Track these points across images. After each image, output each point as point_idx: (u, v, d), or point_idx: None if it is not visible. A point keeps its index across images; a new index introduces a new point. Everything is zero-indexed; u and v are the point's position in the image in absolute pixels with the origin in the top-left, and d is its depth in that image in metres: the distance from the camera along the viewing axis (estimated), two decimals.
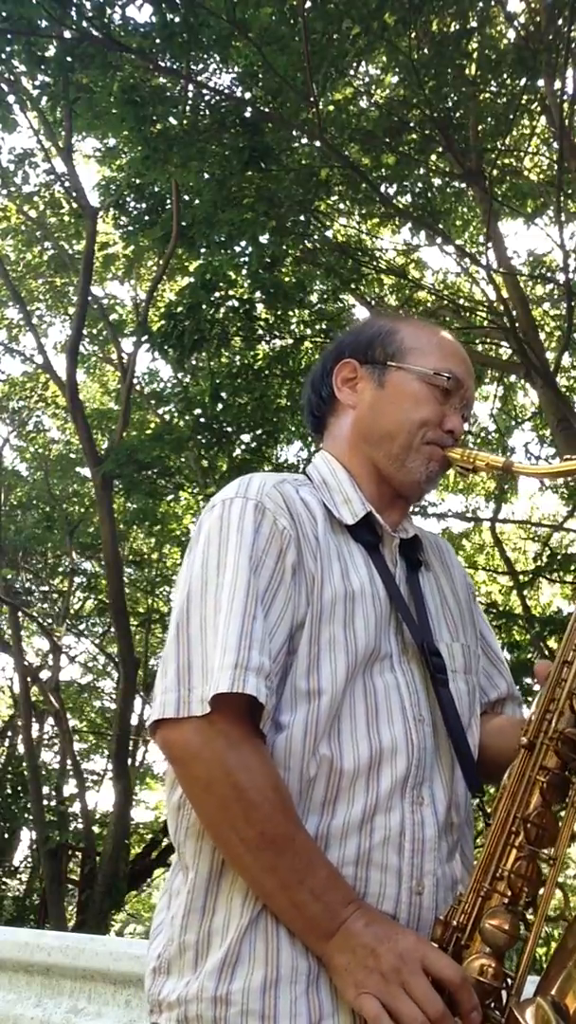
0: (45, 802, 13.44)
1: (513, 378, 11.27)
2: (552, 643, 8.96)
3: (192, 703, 1.16)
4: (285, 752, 1.19)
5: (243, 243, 8.79)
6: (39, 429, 15.60)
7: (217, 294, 9.17)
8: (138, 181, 9.72)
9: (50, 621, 15.03)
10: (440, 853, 1.24)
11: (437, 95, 8.00)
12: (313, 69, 7.27)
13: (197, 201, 8.73)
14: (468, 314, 10.56)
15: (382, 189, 9.23)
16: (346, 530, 1.37)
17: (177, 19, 7.17)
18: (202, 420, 9.61)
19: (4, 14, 7.01)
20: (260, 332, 10.03)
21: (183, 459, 10.93)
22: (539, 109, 9.13)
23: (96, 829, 13.63)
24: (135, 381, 12.30)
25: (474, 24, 7.91)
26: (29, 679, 14.15)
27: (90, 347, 14.45)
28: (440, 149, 8.80)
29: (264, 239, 8.73)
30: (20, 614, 14.17)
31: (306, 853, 1.14)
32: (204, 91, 8.55)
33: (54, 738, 15.58)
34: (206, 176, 8.20)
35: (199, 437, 9.71)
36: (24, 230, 13.00)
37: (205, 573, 1.25)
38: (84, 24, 7.40)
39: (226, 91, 8.67)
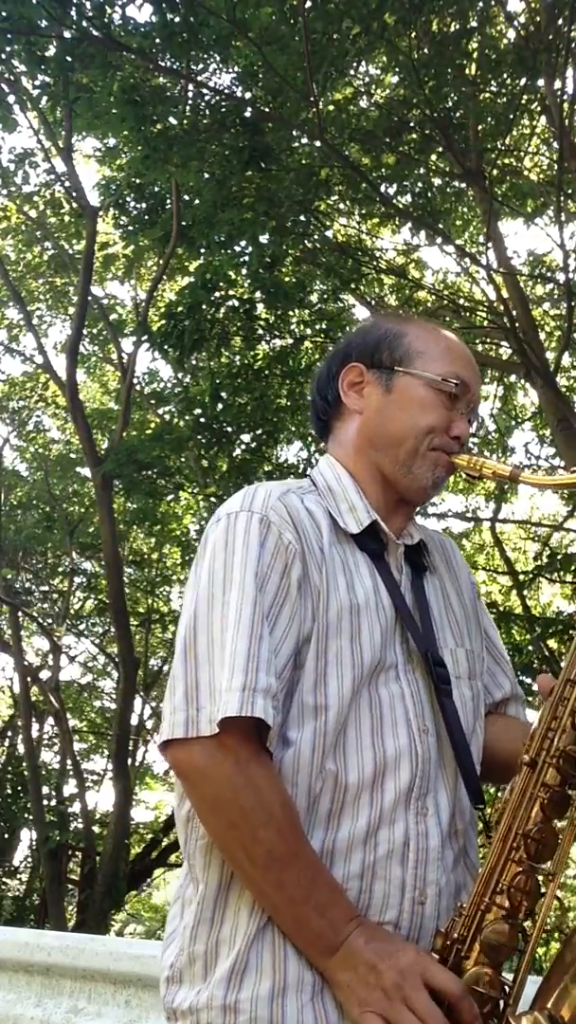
0: (45, 802, 13.43)
1: (513, 378, 11.27)
2: (552, 643, 8.96)
3: (201, 723, 1.17)
4: (293, 768, 1.21)
5: (243, 243, 8.79)
6: (39, 429, 15.61)
7: (217, 294, 9.17)
8: (138, 181, 9.72)
9: (50, 621, 15.03)
10: (444, 862, 1.25)
11: (437, 95, 7.99)
12: (313, 69, 7.27)
13: (197, 201, 8.74)
14: (468, 314, 10.56)
15: (382, 189, 9.22)
16: (351, 539, 1.37)
17: (177, 19, 7.17)
18: (202, 420, 9.61)
19: (4, 14, 7.01)
20: (260, 332, 10.03)
21: (183, 459, 10.93)
22: (539, 109, 9.12)
23: (96, 829, 13.63)
24: (135, 381, 12.31)
25: (474, 24, 7.91)
26: (29, 679, 14.14)
27: (90, 347, 14.45)
28: (440, 149, 8.80)
29: (264, 239, 8.73)
30: (20, 614, 14.17)
31: (311, 870, 1.16)
32: (204, 91, 8.55)
33: (54, 738, 15.58)
34: (206, 176, 8.21)
35: (199, 437, 9.71)
36: (24, 230, 12.99)
37: (211, 590, 1.25)
38: (84, 24, 7.40)
39: (226, 91, 8.67)
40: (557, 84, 8.22)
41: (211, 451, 10.05)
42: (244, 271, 9.26)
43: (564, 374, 11.02)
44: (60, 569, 15.65)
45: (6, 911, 14.24)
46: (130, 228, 10.49)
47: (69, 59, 7.49)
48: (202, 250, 9.44)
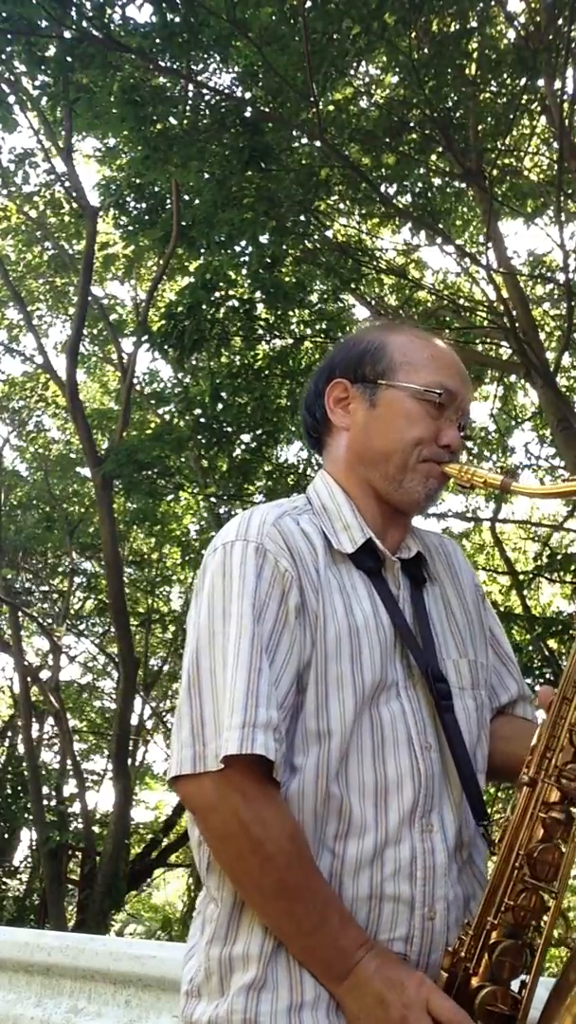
0: (45, 802, 13.43)
1: (513, 378, 11.27)
2: (552, 643, 8.96)
3: (207, 758, 1.19)
4: (299, 794, 1.22)
5: (243, 243, 8.79)
6: (39, 429, 15.60)
7: (217, 294, 9.17)
8: (138, 181, 9.72)
9: (50, 621, 15.03)
10: (451, 876, 1.27)
11: (437, 95, 7.99)
12: (313, 69, 7.27)
13: (197, 201, 8.73)
14: (468, 314, 10.56)
15: (382, 189, 9.22)
16: (347, 558, 1.36)
17: (177, 19, 7.17)
18: (202, 420, 9.62)
19: (4, 14, 7.01)
20: (260, 332, 10.03)
21: (183, 459, 10.93)
22: (539, 109, 9.12)
23: (96, 829, 13.63)
24: (135, 381, 12.31)
25: (474, 24, 7.91)
26: (29, 679, 14.14)
27: (90, 347, 14.45)
28: (440, 149, 8.80)
29: (264, 239, 8.73)
30: (20, 614, 14.17)
31: (321, 900, 1.17)
32: (204, 91, 8.55)
33: (54, 738, 15.58)
34: (206, 176, 8.20)
35: (199, 437, 9.72)
36: (24, 230, 12.99)
37: (211, 624, 1.26)
38: (84, 24, 7.40)
39: (226, 91, 8.66)
40: (557, 84, 8.22)
41: (211, 451, 10.05)
42: (244, 271, 9.26)
43: (564, 374, 11.03)
44: (60, 569, 15.65)
45: (6, 911, 14.23)
46: (130, 228, 10.49)
47: (69, 59, 7.49)
48: (202, 250, 9.44)
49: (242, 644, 1.21)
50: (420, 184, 9.41)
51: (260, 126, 8.00)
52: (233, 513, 8.75)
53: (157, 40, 7.34)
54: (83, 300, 11.61)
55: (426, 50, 7.73)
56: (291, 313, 10.27)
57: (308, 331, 10.38)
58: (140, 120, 7.74)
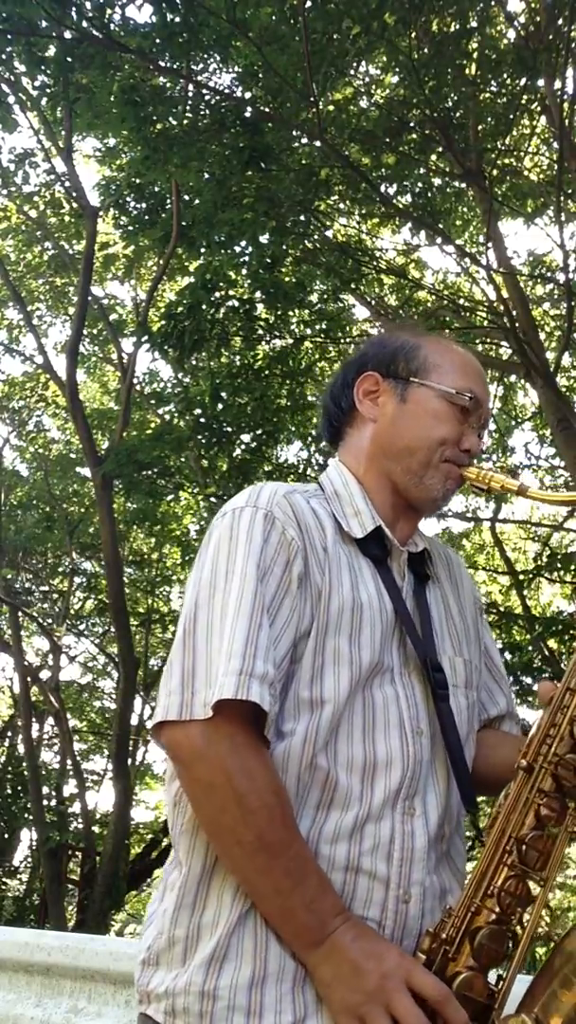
0: (45, 802, 13.44)
1: (513, 378, 11.27)
2: (552, 643, 8.96)
3: (195, 707, 1.18)
4: (284, 759, 1.22)
5: (243, 243, 8.79)
6: (39, 429, 15.61)
7: (217, 294, 9.17)
8: (138, 181, 9.72)
9: (50, 621, 15.03)
10: (429, 863, 1.26)
11: (437, 95, 7.99)
12: (313, 69, 7.27)
13: (197, 201, 8.73)
14: (468, 314, 10.56)
15: (382, 189, 9.22)
16: (355, 543, 1.38)
17: (177, 19, 7.17)
18: (202, 420, 9.61)
19: (4, 14, 7.01)
20: (260, 332, 10.03)
21: (183, 459, 10.93)
22: (539, 109, 9.13)
23: (96, 829, 13.64)
24: (135, 381, 12.31)
25: (474, 24, 7.91)
26: (29, 679, 14.14)
27: (90, 347, 14.45)
28: (440, 149, 8.80)
29: (264, 239, 8.73)
30: (20, 614, 14.17)
31: (301, 861, 1.16)
32: (204, 91, 8.55)
33: (54, 738, 15.58)
34: (206, 176, 8.20)
35: (199, 437, 9.71)
36: (24, 230, 12.99)
37: (213, 579, 1.26)
38: (84, 24, 7.40)
39: (226, 91, 8.67)
40: (557, 84, 8.22)
41: (211, 451, 10.05)
42: (244, 271, 9.26)
43: (564, 374, 11.02)
44: (60, 569, 15.66)
45: (6, 911, 14.24)
46: (130, 228, 10.49)
47: (69, 59, 7.50)
48: (202, 250, 9.44)
49: (244, 599, 1.22)
50: (420, 184, 9.41)
51: (260, 126, 8.00)
52: None
53: (157, 40, 7.34)
54: (83, 300, 11.61)
55: (426, 50, 7.73)
56: (291, 313, 10.27)
57: (308, 331, 10.38)
58: (140, 120, 7.74)
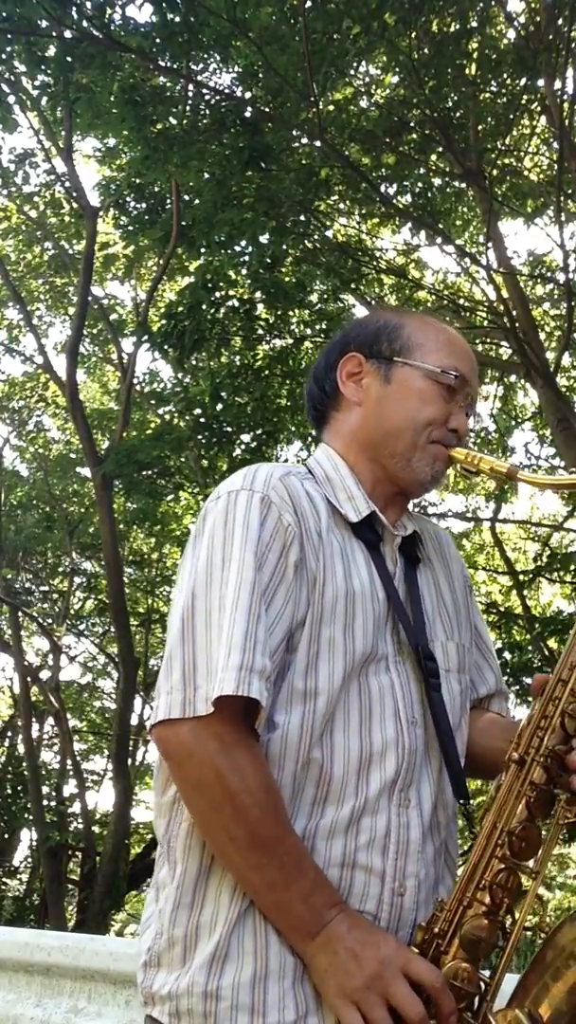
0: (45, 802, 13.44)
1: (513, 378, 11.27)
2: (552, 643, 8.96)
3: (197, 703, 1.17)
4: (280, 752, 1.21)
5: (243, 243, 8.80)
6: (39, 429, 15.61)
7: (217, 294, 9.17)
8: (138, 181, 9.72)
9: (50, 621, 15.03)
10: (424, 855, 1.25)
11: (437, 95, 8.00)
12: (313, 69, 7.27)
13: (197, 201, 8.73)
14: (468, 314, 10.56)
15: (382, 189, 9.23)
16: (348, 527, 1.37)
17: (177, 19, 7.17)
18: (202, 420, 9.61)
19: (4, 14, 7.01)
20: (260, 332, 10.03)
21: (183, 459, 10.94)
22: (539, 109, 9.13)
23: (96, 829, 13.64)
24: (135, 381, 12.31)
25: (474, 24, 7.91)
26: (29, 679, 14.15)
27: (90, 347, 14.45)
28: (440, 149, 8.80)
29: (264, 239, 8.73)
30: (20, 614, 14.17)
31: (294, 855, 1.15)
32: (204, 91, 8.55)
33: (54, 738, 15.59)
34: (206, 176, 8.20)
35: (199, 437, 9.71)
36: (24, 230, 12.99)
37: (210, 568, 1.24)
38: (84, 24, 7.40)
39: (226, 91, 8.67)
40: (557, 84, 8.23)
41: (211, 451, 10.05)
42: (244, 271, 9.26)
43: (564, 374, 11.03)
44: (60, 569, 15.66)
45: (6, 911, 14.24)
46: (130, 228, 10.49)
47: (69, 59, 7.49)
48: (202, 250, 9.44)
49: (242, 590, 1.20)
50: (420, 184, 9.41)
51: (260, 126, 8.00)
52: None
53: (157, 40, 7.34)
54: (83, 300, 11.61)
55: (426, 50, 7.73)
56: (291, 313, 10.27)
57: (308, 331, 10.37)
58: (140, 120, 7.74)
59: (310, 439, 10.78)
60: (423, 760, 1.29)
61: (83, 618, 16.08)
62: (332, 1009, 1.12)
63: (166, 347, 8.97)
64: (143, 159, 8.16)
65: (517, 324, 8.66)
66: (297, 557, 1.26)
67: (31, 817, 13.72)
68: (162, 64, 7.92)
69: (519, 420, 12.19)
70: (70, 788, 14.49)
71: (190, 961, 1.18)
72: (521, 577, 11.55)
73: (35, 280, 13.79)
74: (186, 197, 9.21)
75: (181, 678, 1.19)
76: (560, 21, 7.53)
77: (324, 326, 10.14)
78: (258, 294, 9.55)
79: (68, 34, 7.49)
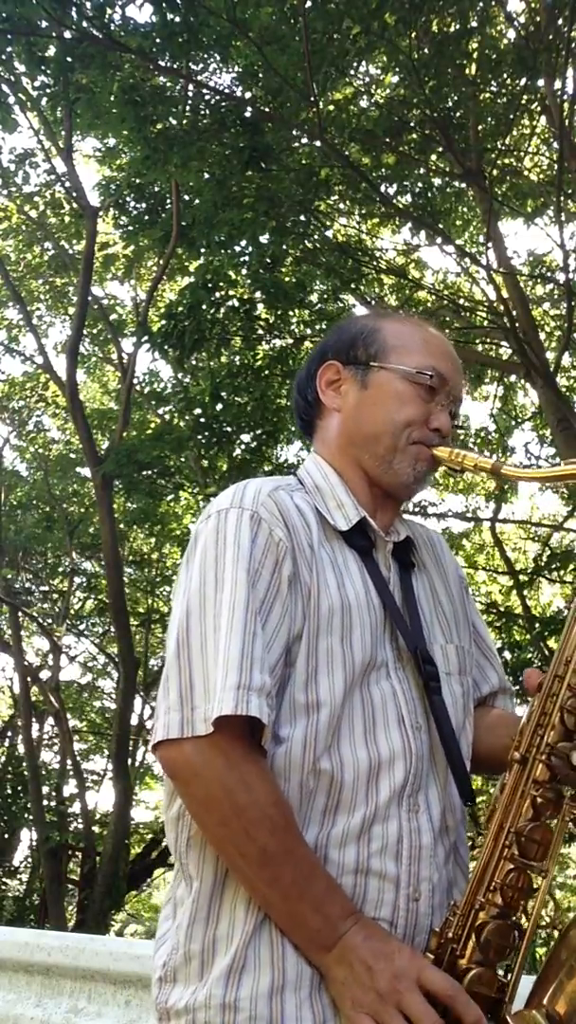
0: (45, 802, 13.44)
1: (513, 378, 11.27)
2: (552, 643, 8.96)
3: (196, 723, 1.16)
4: (285, 765, 1.20)
5: (243, 243, 8.79)
6: (39, 429, 15.62)
7: (217, 294, 9.17)
8: (138, 181, 9.73)
9: (50, 621, 15.03)
10: (436, 859, 1.25)
11: (437, 95, 7.99)
12: (313, 69, 7.27)
13: (197, 201, 8.73)
14: (468, 314, 10.56)
15: (382, 189, 9.23)
16: (339, 536, 1.36)
17: (177, 19, 7.17)
18: (202, 420, 9.61)
19: (4, 14, 7.01)
20: (260, 332, 10.03)
21: (183, 459, 10.93)
22: (539, 109, 9.13)
23: (96, 829, 13.65)
24: (135, 381, 12.31)
25: (474, 24, 7.91)
26: (29, 679, 14.15)
27: (90, 347, 14.46)
28: (440, 149, 8.80)
29: (264, 239, 8.73)
30: (20, 614, 14.17)
31: (306, 867, 1.15)
32: (204, 91, 8.55)
33: (54, 738, 15.59)
34: (206, 176, 8.20)
35: (199, 437, 9.71)
36: (24, 230, 13.00)
37: (203, 589, 1.24)
38: (84, 24, 7.40)
39: (226, 91, 8.67)
40: (557, 84, 8.23)
41: (211, 451, 10.05)
42: (244, 271, 9.26)
43: (564, 374, 11.03)
44: (60, 569, 15.66)
45: (6, 911, 14.24)
46: (130, 228, 10.50)
47: (69, 59, 7.49)
48: (202, 250, 9.44)
49: (236, 608, 1.19)
50: (420, 184, 9.41)
51: (260, 126, 8.00)
52: None
53: (157, 40, 7.34)
54: (83, 300, 11.61)
55: (426, 50, 7.73)
56: (291, 313, 10.27)
57: (308, 331, 10.38)
58: (140, 120, 7.74)
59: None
60: (429, 765, 1.29)
61: (83, 618, 16.08)
62: (349, 1022, 1.11)
63: (166, 347, 8.97)
64: (143, 159, 8.16)
65: (517, 324, 8.66)
66: (290, 571, 1.26)
67: (31, 817, 13.72)
68: (162, 64, 7.92)
69: (519, 420, 12.19)
70: (70, 788, 14.51)
71: (207, 974, 1.17)
72: (521, 577, 11.55)
73: (35, 280, 13.79)
74: (186, 197, 9.21)
75: (178, 698, 1.19)
76: (560, 21, 7.53)
77: (324, 326, 10.14)
78: (258, 294, 9.55)
79: (68, 34, 7.49)
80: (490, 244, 9.37)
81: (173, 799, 1.26)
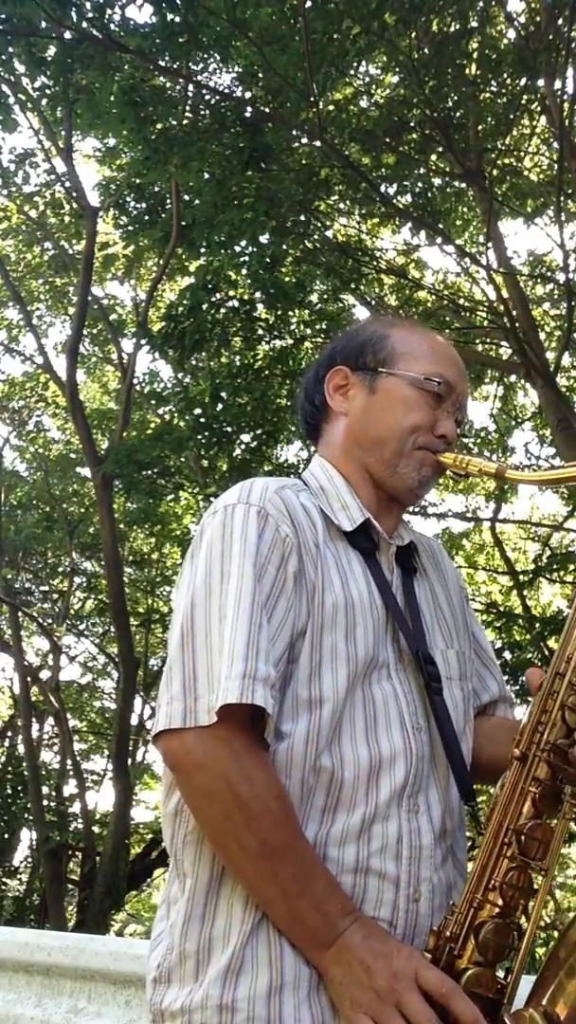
0: (45, 802, 13.44)
1: (513, 378, 11.27)
2: (552, 643, 8.96)
3: (199, 713, 1.16)
4: (287, 760, 1.20)
5: (243, 243, 8.80)
6: (39, 429, 15.62)
7: (217, 295, 9.18)
8: (138, 181, 9.73)
9: (50, 621, 15.04)
10: (435, 860, 1.25)
11: (437, 95, 7.99)
12: (313, 69, 7.27)
13: (197, 201, 8.74)
14: (468, 314, 10.56)
15: (382, 189, 9.23)
16: (344, 537, 1.37)
17: (177, 19, 7.17)
18: (202, 420, 9.61)
19: (4, 15, 7.01)
20: (260, 332, 10.03)
21: (183, 459, 10.93)
22: (539, 109, 9.13)
23: (96, 829, 13.64)
24: (135, 381, 12.32)
25: (474, 24, 7.91)
26: (29, 679, 14.15)
27: (90, 347, 14.46)
28: (440, 149, 8.80)
29: (264, 239, 8.74)
30: (20, 614, 14.17)
31: (306, 863, 1.14)
32: (204, 91, 8.55)
33: (54, 738, 15.59)
34: (206, 176, 8.20)
35: (199, 437, 9.71)
36: (24, 230, 13.00)
37: (209, 581, 1.24)
38: (84, 25, 7.40)
39: (226, 91, 8.67)
40: (557, 84, 8.22)
41: (211, 451, 10.05)
42: (244, 271, 9.26)
43: (564, 374, 11.02)
44: (60, 569, 15.66)
45: (6, 911, 14.24)
46: (130, 228, 10.50)
47: (69, 60, 7.49)
48: (202, 250, 9.44)
49: (242, 600, 1.20)
50: (420, 184, 9.41)
51: (260, 126, 8.00)
52: None
53: (157, 40, 7.34)
54: (83, 300, 11.62)
55: (426, 50, 7.73)
56: (291, 313, 10.27)
57: (308, 331, 10.38)
58: (140, 120, 7.75)
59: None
60: (430, 766, 1.30)
61: (83, 618, 16.08)
62: (348, 1022, 1.11)
63: (166, 348, 8.98)
64: (143, 159, 8.18)
65: (517, 324, 8.66)
66: (296, 567, 1.27)
67: (31, 817, 13.72)
68: (162, 64, 7.92)
69: (519, 420, 12.19)
70: (70, 788, 14.51)
71: (203, 974, 1.16)
72: (521, 577, 11.55)
73: (35, 280, 13.79)
74: (186, 197, 9.21)
75: (181, 688, 1.18)
76: (560, 21, 7.52)
77: (324, 326, 10.15)
78: (258, 294, 9.55)
79: (68, 35, 7.49)
80: (490, 244, 9.37)
81: (171, 793, 1.25)
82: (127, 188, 10.04)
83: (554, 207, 8.81)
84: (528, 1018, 1.10)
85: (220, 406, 9.39)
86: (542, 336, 10.25)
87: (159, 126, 8.11)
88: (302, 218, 9.06)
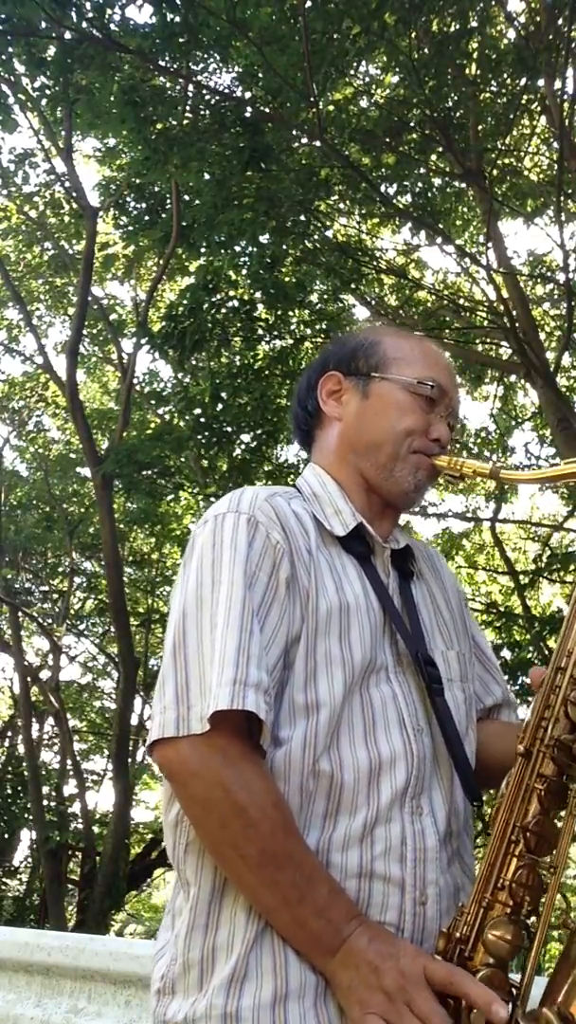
0: (45, 802, 13.43)
1: (513, 378, 11.27)
2: (552, 643, 8.95)
3: (191, 721, 1.15)
4: (285, 766, 1.19)
5: (243, 243, 8.80)
6: (39, 429, 15.62)
7: (217, 295, 9.18)
8: (138, 181, 9.73)
9: (50, 621, 15.03)
10: (441, 862, 1.24)
11: (437, 95, 7.99)
12: (313, 69, 7.26)
13: (197, 201, 8.74)
14: (468, 314, 10.56)
15: (382, 189, 9.23)
16: (337, 542, 1.37)
17: (177, 19, 7.17)
18: (202, 420, 9.61)
19: (4, 15, 7.01)
20: (260, 332, 10.03)
21: (183, 459, 10.94)
22: (539, 109, 9.13)
23: (96, 829, 13.64)
24: (135, 381, 12.32)
25: (474, 24, 7.90)
26: (29, 679, 14.15)
27: (90, 347, 14.46)
28: (440, 149, 8.80)
29: (264, 239, 8.74)
30: (20, 614, 14.17)
31: (307, 869, 1.13)
32: (204, 91, 8.55)
33: (54, 738, 15.59)
34: (206, 176, 8.20)
35: (199, 437, 9.71)
36: (24, 230, 13.00)
37: (200, 591, 1.24)
38: (84, 25, 7.40)
39: (226, 91, 8.67)
40: (557, 84, 8.22)
41: (211, 451, 10.05)
42: (244, 271, 9.26)
43: (564, 374, 11.03)
44: (60, 569, 15.66)
45: (6, 911, 14.24)
46: (130, 228, 10.51)
47: (69, 60, 7.49)
48: (202, 250, 9.45)
49: (232, 608, 1.19)
50: (420, 184, 9.42)
51: (260, 126, 8.00)
52: None
53: (157, 40, 7.34)
54: (83, 300, 11.62)
55: (426, 50, 7.72)
56: (291, 313, 10.27)
57: (308, 331, 10.38)
58: (140, 121, 7.74)
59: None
60: (432, 768, 1.28)
61: (83, 618, 16.08)
62: None
63: (166, 348, 8.98)
64: (143, 159, 8.17)
65: (517, 324, 8.66)
66: (288, 574, 1.26)
67: (31, 817, 13.72)
68: (162, 64, 7.92)
69: (519, 420, 12.19)
70: (70, 788, 14.50)
71: (207, 984, 1.14)
72: (521, 577, 11.54)
73: (35, 280, 13.79)
74: (186, 197, 9.21)
75: (174, 697, 1.18)
76: (560, 21, 7.52)
77: (324, 326, 10.15)
78: (258, 294, 9.55)
79: (68, 35, 7.49)
80: (490, 244, 9.37)
81: (171, 803, 1.24)
82: (127, 188, 10.05)
83: (554, 207, 8.82)
84: (543, 1018, 1.08)
85: (220, 406, 9.39)
86: (542, 336, 10.25)
87: (159, 126, 8.10)
88: (302, 218, 9.06)
